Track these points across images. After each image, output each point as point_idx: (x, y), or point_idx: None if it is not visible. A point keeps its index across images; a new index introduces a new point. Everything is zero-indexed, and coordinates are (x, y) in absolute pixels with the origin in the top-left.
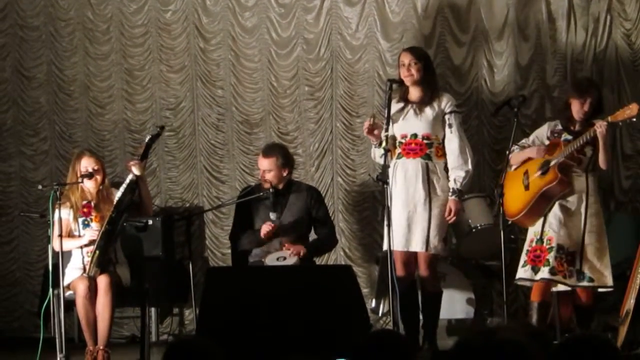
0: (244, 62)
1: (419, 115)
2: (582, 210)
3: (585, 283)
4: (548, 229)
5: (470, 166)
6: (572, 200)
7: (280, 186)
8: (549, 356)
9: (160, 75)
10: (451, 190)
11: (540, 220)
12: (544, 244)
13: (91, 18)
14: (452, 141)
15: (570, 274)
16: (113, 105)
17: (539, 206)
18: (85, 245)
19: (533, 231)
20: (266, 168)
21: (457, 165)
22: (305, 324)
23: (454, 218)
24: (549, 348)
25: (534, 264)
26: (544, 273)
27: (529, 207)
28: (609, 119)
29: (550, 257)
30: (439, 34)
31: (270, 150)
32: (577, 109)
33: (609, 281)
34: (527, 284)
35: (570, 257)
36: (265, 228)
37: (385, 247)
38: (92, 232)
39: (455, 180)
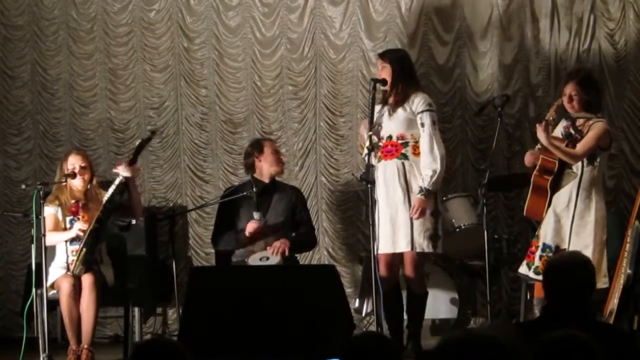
0: (227, 62)
1: (392, 116)
2: (571, 207)
3: None
4: (542, 225)
5: (438, 165)
6: (562, 197)
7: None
8: (532, 355)
9: (144, 74)
10: (418, 188)
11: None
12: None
13: (75, 17)
14: (423, 139)
15: None
16: (97, 104)
17: (536, 197)
18: (72, 240)
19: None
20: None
21: (425, 164)
22: (288, 323)
23: (417, 216)
24: (533, 347)
25: (529, 259)
26: (526, 270)
27: (528, 197)
28: (547, 116)
29: (537, 255)
30: (423, 33)
31: None
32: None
33: None
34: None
35: None
36: (252, 226)
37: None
38: (81, 224)
39: (423, 178)
